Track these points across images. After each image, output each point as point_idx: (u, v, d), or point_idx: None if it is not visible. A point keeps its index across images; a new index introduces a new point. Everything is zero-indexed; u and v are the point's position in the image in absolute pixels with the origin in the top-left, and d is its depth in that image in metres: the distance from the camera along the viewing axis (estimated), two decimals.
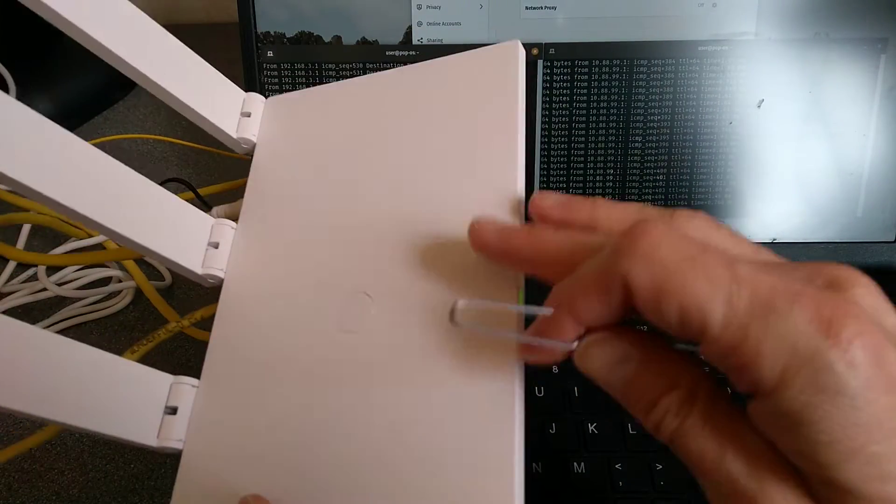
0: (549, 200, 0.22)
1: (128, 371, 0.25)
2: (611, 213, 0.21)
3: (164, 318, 0.43)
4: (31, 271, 0.46)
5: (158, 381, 0.26)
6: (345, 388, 0.24)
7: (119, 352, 0.43)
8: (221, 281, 0.29)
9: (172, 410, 0.25)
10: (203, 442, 0.25)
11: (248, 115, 0.32)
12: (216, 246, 0.29)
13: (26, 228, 0.48)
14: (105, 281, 0.46)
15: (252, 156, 0.32)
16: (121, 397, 0.25)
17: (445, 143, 0.26)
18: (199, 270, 0.28)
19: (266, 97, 0.39)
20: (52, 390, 0.23)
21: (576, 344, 0.20)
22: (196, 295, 0.46)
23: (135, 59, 0.28)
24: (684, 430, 0.18)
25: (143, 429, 0.25)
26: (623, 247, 0.18)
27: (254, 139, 0.31)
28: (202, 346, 0.28)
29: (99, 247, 0.47)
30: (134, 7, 0.29)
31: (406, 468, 0.21)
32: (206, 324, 0.29)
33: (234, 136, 0.31)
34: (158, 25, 0.29)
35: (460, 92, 0.27)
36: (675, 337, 0.18)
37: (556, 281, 0.20)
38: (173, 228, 0.28)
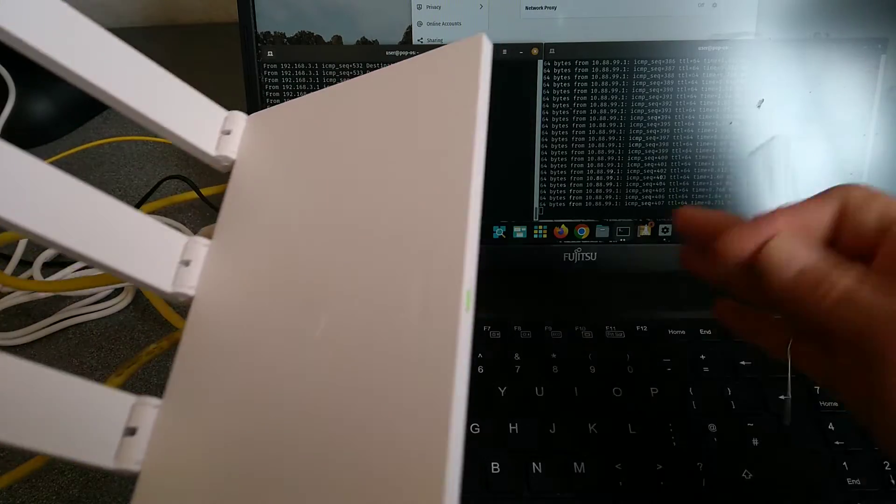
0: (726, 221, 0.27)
1: (85, 391, 0.25)
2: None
3: (164, 317, 0.43)
4: (29, 271, 0.46)
5: (118, 402, 0.25)
6: (299, 403, 0.23)
7: (119, 353, 0.43)
8: (191, 299, 0.28)
9: (132, 431, 0.25)
10: (162, 464, 0.25)
11: (229, 132, 0.32)
12: (187, 264, 0.28)
13: None
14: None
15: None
16: (76, 418, 0.24)
17: (411, 145, 0.26)
18: (168, 289, 0.28)
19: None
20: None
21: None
22: None
23: (106, 83, 0.28)
24: (861, 284, 0.23)
25: (99, 450, 0.24)
26: (837, 186, 0.25)
27: (233, 156, 0.31)
28: None
29: None
30: (107, 33, 0.29)
31: (354, 488, 0.21)
32: None
33: (214, 154, 0.31)
34: (132, 49, 0.29)
35: (427, 91, 0.27)
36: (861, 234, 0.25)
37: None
38: (142, 247, 0.27)
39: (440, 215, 0.23)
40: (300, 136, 0.30)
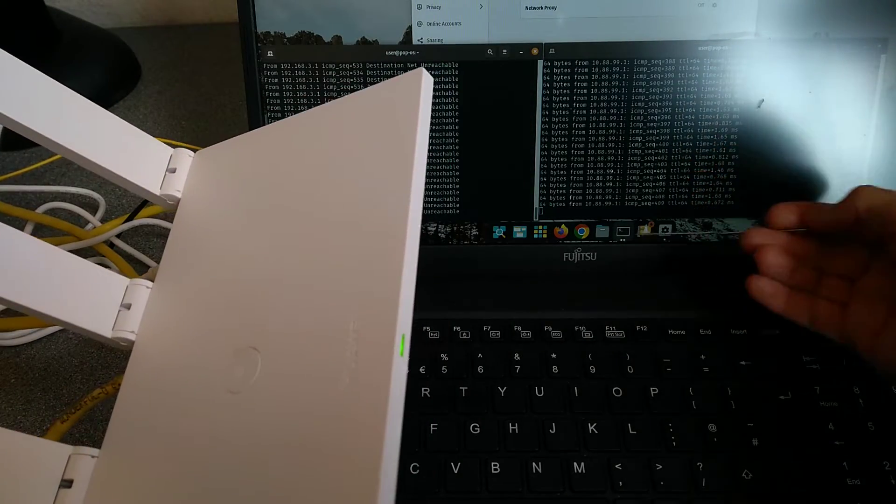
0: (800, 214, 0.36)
1: (19, 444, 0.25)
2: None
3: None
4: None
5: (54, 454, 0.25)
6: (230, 459, 0.23)
7: (121, 352, 0.43)
8: (132, 343, 0.28)
9: (68, 483, 0.25)
10: None
11: (174, 170, 0.31)
12: (129, 307, 0.28)
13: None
14: None
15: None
16: (10, 472, 0.24)
17: (352, 183, 0.26)
18: (108, 334, 0.27)
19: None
20: None
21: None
22: None
23: (41, 126, 0.27)
24: None
25: None
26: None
27: (178, 195, 0.31)
28: None
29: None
30: (43, 75, 0.28)
31: None
32: None
33: (158, 193, 0.31)
34: (74, 92, 0.29)
35: (368, 127, 0.26)
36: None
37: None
38: (79, 293, 0.27)
39: (377, 255, 0.23)
40: (245, 173, 0.30)
